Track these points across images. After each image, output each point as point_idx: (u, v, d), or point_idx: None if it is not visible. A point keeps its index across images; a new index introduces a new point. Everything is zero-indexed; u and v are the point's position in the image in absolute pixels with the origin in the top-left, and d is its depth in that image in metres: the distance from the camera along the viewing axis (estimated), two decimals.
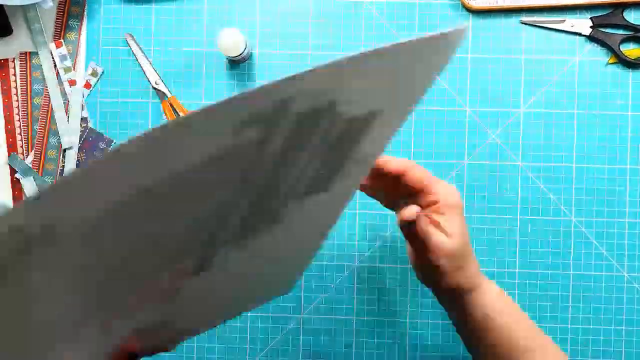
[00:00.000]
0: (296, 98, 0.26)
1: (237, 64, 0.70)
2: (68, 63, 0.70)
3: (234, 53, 0.65)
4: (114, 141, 0.70)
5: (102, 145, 0.70)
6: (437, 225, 0.52)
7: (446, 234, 0.52)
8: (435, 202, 0.52)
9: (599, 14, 0.70)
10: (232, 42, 0.64)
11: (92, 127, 0.70)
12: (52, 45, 0.71)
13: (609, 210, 0.69)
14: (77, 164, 0.70)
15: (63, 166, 0.71)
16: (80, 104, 0.70)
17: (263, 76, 0.70)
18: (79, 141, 0.70)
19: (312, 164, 0.33)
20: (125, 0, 0.71)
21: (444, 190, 0.52)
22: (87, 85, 0.71)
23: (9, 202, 0.71)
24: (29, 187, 0.70)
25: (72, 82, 0.70)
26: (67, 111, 0.71)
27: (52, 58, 0.71)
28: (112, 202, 0.25)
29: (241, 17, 0.71)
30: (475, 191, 0.70)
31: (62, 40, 0.70)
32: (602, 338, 0.69)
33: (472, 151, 0.70)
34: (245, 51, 0.67)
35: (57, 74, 0.71)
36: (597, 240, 0.69)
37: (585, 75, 0.69)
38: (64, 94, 0.71)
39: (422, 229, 0.51)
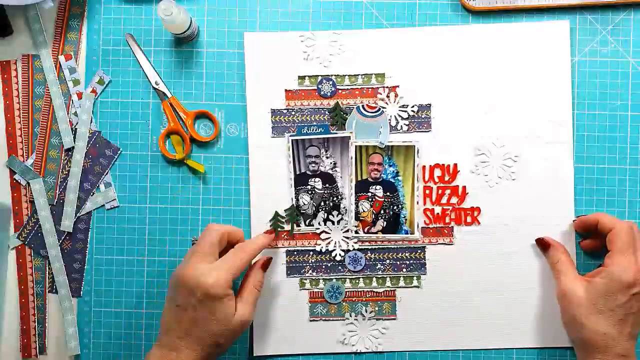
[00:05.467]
0: None
1: (186, 42, 0.70)
2: (77, 76, 0.71)
3: (177, 30, 0.66)
4: (120, 150, 0.70)
5: (108, 152, 0.70)
6: (575, 274, 0.63)
7: (582, 287, 0.61)
8: (606, 265, 0.61)
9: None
10: (170, 16, 0.63)
11: (99, 133, 0.71)
12: (62, 58, 0.71)
13: (609, 210, 0.69)
14: (82, 169, 0.70)
15: (64, 165, 0.71)
16: (90, 110, 0.70)
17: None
18: (86, 147, 0.71)
19: None
20: (125, 0, 0.71)
21: (618, 265, 0.60)
22: (93, 92, 0.71)
23: (9, 203, 0.71)
24: (38, 189, 0.70)
25: (80, 95, 0.70)
26: (68, 112, 0.71)
27: (59, 66, 0.71)
28: None
29: (241, 17, 0.71)
30: None
31: (71, 53, 0.71)
32: None
33: None
34: (191, 29, 0.67)
35: (59, 73, 0.71)
36: None
37: (585, 75, 0.69)
38: (65, 94, 0.71)
39: (552, 261, 0.65)
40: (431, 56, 0.69)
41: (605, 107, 0.69)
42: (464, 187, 0.69)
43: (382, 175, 0.69)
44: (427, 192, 0.69)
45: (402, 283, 0.69)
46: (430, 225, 0.69)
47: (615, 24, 0.69)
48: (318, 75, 0.69)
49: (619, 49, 0.69)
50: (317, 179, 0.69)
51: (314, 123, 0.69)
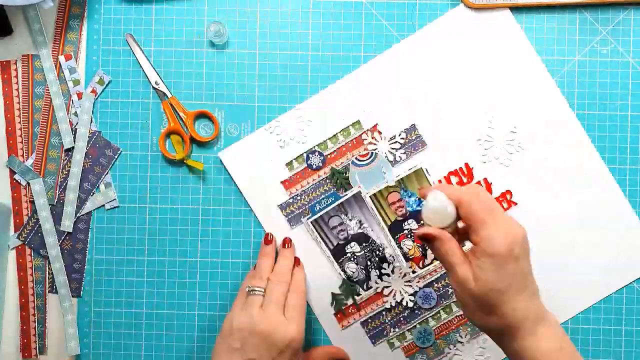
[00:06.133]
0: None
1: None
2: (77, 76, 0.71)
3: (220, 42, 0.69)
4: (121, 150, 0.70)
5: (108, 152, 0.70)
6: (467, 261, 0.52)
7: (472, 277, 0.52)
8: (477, 244, 0.52)
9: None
10: (221, 37, 0.66)
11: (99, 133, 0.71)
12: (62, 58, 0.71)
13: None
14: (82, 169, 0.70)
15: (64, 165, 0.71)
16: (90, 110, 0.70)
17: (263, 77, 0.70)
18: (86, 147, 0.70)
19: None
20: (125, 0, 0.71)
21: (490, 234, 0.51)
22: (93, 92, 0.71)
23: (9, 203, 0.71)
24: (38, 189, 0.70)
25: (80, 95, 0.70)
26: (68, 112, 0.71)
27: (59, 66, 0.71)
28: None
29: (241, 17, 0.71)
30: None
31: (71, 53, 0.71)
32: (602, 338, 0.69)
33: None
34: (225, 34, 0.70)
35: (59, 73, 0.71)
36: None
37: (585, 75, 0.69)
38: (65, 94, 0.71)
39: (441, 254, 0.53)
40: (399, 81, 0.69)
41: (605, 107, 0.69)
42: (485, 179, 0.69)
43: (407, 208, 0.68)
44: None
45: None
46: None
47: (615, 24, 0.69)
48: (302, 154, 0.69)
49: (619, 49, 0.69)
50: (352, 244, 0.69)
51: (322, 196, 0.69)
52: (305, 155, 0.69)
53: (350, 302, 0.69)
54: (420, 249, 0.68)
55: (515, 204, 0.68)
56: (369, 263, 0.68)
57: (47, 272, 0.71)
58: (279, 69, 0.70)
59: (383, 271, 0.68)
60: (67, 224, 0.70)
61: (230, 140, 0.71)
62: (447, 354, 0.69)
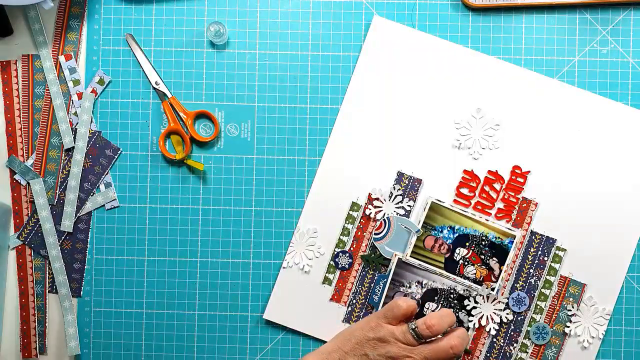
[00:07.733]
0: None
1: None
2: (77, 76, 0.71)
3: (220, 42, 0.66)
4: (120, 150, 0.71)
5: (108, 152, 0.70)
6: None
7: None
8: None
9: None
10: (221, 37, 0.65)
11: (99, 133, 0.71)
12: (62, 58, 0.71)
13: None
14: (82, 169, 0.70)
15: (64, 165, 0.71)
16: (90, 110, 0.70)
17: (263, 77, 0.70)
18: (86, 147, 0.70)
19: None
20: (125, 0, 0.71)
21: None
22: (93, 92, 0.71)
23: (9, 203, 0.71)
24: (38, 189, 0.70)
25: (80, 95, 0.70)
26: (68, 112, 0.71)
27: (59, 66, 0.71)
28: None
29: (241, 17, 0.71)
30: None
31: (71, 53, 0.71)
32: (602, 338, 0.69)
33: None
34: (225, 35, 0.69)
35: (59, 73, 0.71)
36: None
37: (585, 75, 0.70)
38: (65, 94, 0.71)
39: None
40: (367, 135, 0.70)
41: None
42: (495, 172, 0.68)
43: (447, 242, 0.68)
44: (484, 200, 0.68)
45: (565, 260, 0.68)
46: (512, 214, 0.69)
47: (615, 24, 0.69)
48: (329, 262, 0.69)
49: (619, 49, 0.69)
50: (426, 305, 0.68)
51: (371, 285, 0.69)
52: (333, 262, 0.69)
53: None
54: (485, 267, 0.67)
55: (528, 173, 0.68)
56: (452, 309, 0.68)
57: (47, 272, 0.71)
58: (279, 69, 0.71)
59: (468, 308, 0.68)
60: (67, 224, 0.70)
61: (230, 140, 0.71)
62: (569, 332, 0.68)
